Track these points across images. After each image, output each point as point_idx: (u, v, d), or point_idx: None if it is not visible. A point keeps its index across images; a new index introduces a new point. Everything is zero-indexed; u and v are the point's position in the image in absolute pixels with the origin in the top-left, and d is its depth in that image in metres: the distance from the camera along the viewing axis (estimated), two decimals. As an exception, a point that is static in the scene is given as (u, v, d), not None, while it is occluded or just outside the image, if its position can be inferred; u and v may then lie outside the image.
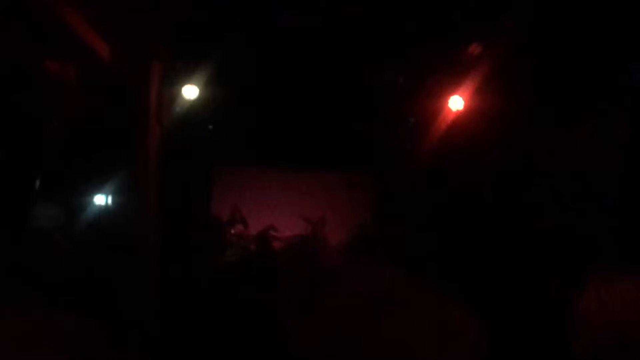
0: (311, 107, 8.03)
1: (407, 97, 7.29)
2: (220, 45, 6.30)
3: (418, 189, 8.47)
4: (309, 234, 9.99)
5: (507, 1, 5.31)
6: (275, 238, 8.69)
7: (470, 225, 6.79)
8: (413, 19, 5.80)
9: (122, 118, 4.10)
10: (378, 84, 7.16)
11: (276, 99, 7.92)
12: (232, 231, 8.91)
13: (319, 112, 8.19)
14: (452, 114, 6.84)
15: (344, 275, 1.55)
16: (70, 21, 3.39)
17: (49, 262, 2.36)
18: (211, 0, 5.40)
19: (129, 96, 4.06)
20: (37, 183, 5.91)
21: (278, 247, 6.79)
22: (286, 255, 1.70)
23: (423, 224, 7.84)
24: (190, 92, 6.61)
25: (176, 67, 5.88)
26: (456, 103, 6.67)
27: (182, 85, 6.55)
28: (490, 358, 1.26)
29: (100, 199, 7.05)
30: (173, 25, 4.43)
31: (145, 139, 4.10)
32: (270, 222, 10.63)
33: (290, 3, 6.01)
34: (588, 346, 1.47)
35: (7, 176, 4.80)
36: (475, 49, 5.98)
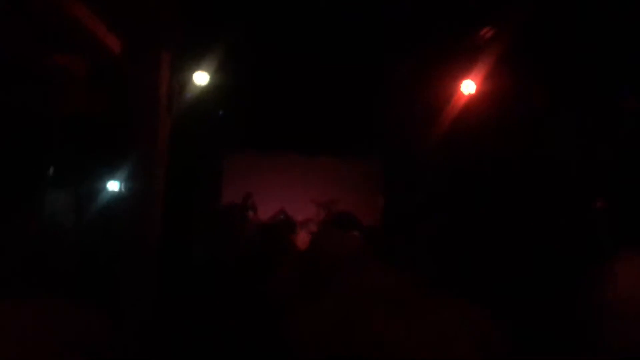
0: (322, 92, 7.99)
1: (419, 82, 7.22)
2: (230, 30, 6.27)
3: (430, 175, 8.43)
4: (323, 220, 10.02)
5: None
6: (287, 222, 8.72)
7: (482, 212, 6.75)
8: (424, 1, 5.73)
9: (133, 109, 4.09)
10: (390, 68, 7.09)
11: (287, 84, 7.88)
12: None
13: (330, 97, 8.14)
14: (464, 98, 6.77)
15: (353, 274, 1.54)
16: (78, 15, 3.39)
17: (57, 251, 2.37)
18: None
19: (139, 87, 4.05)
20: (50, 171, 5.96)
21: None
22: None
23: (433, 211, 7.81)
24: (200, 78, 6.60)
25: (186, 55, 5.86)
26: (468, 87, 6.59)
27: (192, 71, 6.54)
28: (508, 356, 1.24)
29: (111, 187, 7.09)
30: (182, 13, 4.40)
31: (155, 130, 4.10)
32: (281, 207, 10.68)
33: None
34: (610, 338, 1.45)
35: (19, 166, 4.83)
36: (487, 32, 5.90)
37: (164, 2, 3.98)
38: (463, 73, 6.60)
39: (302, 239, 6.50)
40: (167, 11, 4.07)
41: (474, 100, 6.77)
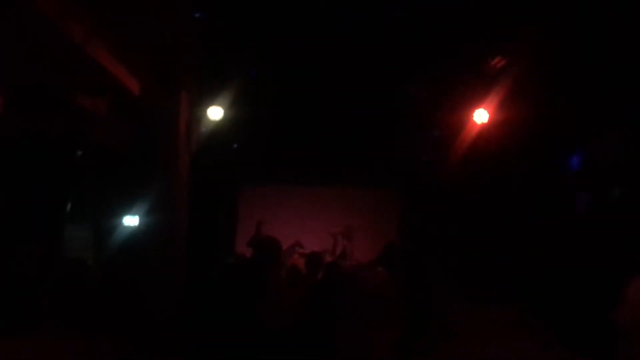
0: (335, 123, 8.06)
1: (432, 111, 7.28)
2: (243, 66, 6.38)
3: (444, 203, 8.42)
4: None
5: (529, 13, 5.29)
6: (301, 254, 8.72)
7: (498, 238, 6.72)
8: (436, 32, 5.81)
9: (153, 147, 4.19)
10: (402, 98, 7.16)
11: (300, 116, 7.96)
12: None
13: (343, 128, 8.21)
14: (477, 127, 6.79)
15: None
16: (101, 59, 3.51)
17: (81, 289, 2.40)
18: (233, 24, 5.47)
19: (160, 127, 4.15)
20: (68, 207, 6.03)
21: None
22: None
23: (450, 239, 7.79)
24: (215, 113, 6.70)
25: (202, 92, 5.97)
26: (481, 116, 6.62)
27: (207, 107, 6.64)
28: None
29: (131, 221, 7.14)
30: (198, 55, 4.53)
31: (176, 166, 4.18)
32: (296, 239, 10.68)
33: (310, 22, 6.06)
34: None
35: (39, 202, 4.91)
36: (498, 61, 5.96)
37: (182, 45, 4.10)
38: (476, 102, 6.64)
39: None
40: (186, 53, 4.19)
41: (487, 128, 6.80)
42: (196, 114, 5.98)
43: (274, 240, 4.55)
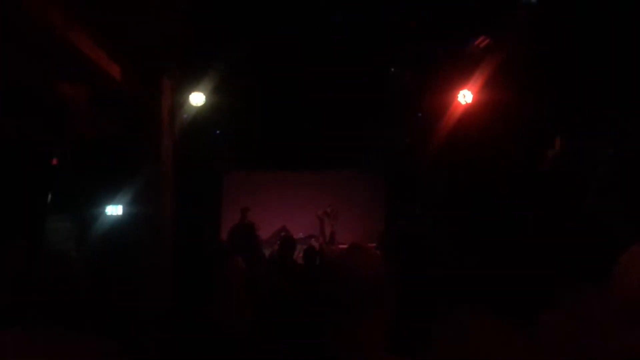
0: (319, 107, 8.00)
1: (416, 93, 7.25)
2: (225, 52, 6.29)
3: (429, 185, 8.43)
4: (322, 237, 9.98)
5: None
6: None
7: (483, 219, 6.75)
8: (419, 13, 5.76)
9: (137, 134, 4.12)
10: (386, 80, 7.12)
11: (283, 101, 7.90)
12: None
13: (327, 112, 8.16)
14: (461, 108, 6.78)
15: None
16: (81, 46, 3.42)
17: (64, 281, 2.34)
18: (214, 10, 5.38)
19: (143, 113, 4.08)
20: (49, 197, 5.92)
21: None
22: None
23: (436, 220, 7.81)
24: (197, 99, 6.61)
25: (184, 78, 5.87)
26: (465, 97, 6.61)
27: (189, 93, 6.55)
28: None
29: (114, 211, 7.04)
30: (181, 40, 4.44)
31: (158, 153, 4.11)
32: (282, 224, 10.68)
33: (293, 4, 5.98)
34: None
35: (20, 192, 4.81)
36: (482, 41, 5.93)
37: (164, 31, 4.02)
38: (460, 83, 6.62)
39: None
40: (168, 39, 4.10)
41: (471, 109, 6.79)
42: (178, 100, 5.89)
43: (250, 228, 4.52)
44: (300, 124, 8.95)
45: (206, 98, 6.85)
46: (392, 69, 6.89)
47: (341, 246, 9.05)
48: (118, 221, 6.65)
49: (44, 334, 1.95)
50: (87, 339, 1.98)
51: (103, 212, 7.19)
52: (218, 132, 9.25)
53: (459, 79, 6.67)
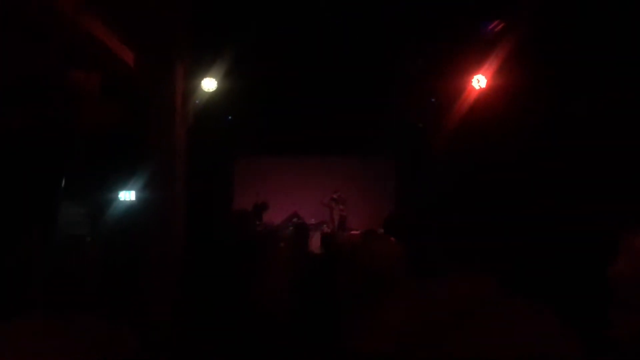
0: (331, 92, 7.95)
1: (429, 78, 7.18)
2: (236, 36, 6.25)
3: (441, 171, 8.37)
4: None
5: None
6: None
7: (497, 205, 6.69)
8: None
9: (150, 119, 4.11)
10: (399, 65, 7.05)
11: (295, 86, 7.85)
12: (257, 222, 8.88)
13: (339, 97, 8.10)
14: (475, 93, 6.71)
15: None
16: (94, 32, 3.40)
17: (80, 266, 2.35)
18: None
19: (156, 98, 4.06)
20: (63, 184, 5.95)
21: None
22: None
23: (448, 208, 7.76)
24: (209, 84, 6.61)
25: (197, 64, 5.86)
26: (479, 81, 6.53)
27: (202, 78, 6.55)
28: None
29: (127, 196, 7.09)
30: (193, 25, 4.42)
31: (172, 139, 4.11)
32: (294, 210, 10.67)
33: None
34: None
35: (35, 179, 4.84)
36: (496, 25, 5.85)
37: (177, 16, 3.99)
38: (474, 67, 6.54)
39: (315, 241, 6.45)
40: (180, 24, 4.07)
41: (485, 94, 6.71)
42: (191, 86, 5.89)
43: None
44: (312, 110, 8.90)
45: (218, 83, 6.84)
46: (406, 54, 6.81)
47: (353, 232, 9.04)
48: (131, 207, 6.69)
49: (59, 318, 1.96)
50: (102, 324, 1.99)
51: (116, 198, 7.24)
52: (230, 117, 9.24)
53: (473, 63, 6.59)
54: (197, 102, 6.24)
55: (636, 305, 1.40)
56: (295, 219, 10.32)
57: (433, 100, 8.01)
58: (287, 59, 7.00)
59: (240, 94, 7.82)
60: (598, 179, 5.89)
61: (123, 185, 7.12)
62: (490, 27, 5.83)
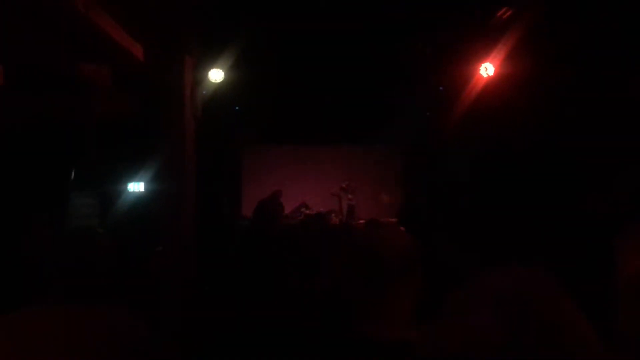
0: (338, 81, 7.93)
1: (437, 66, 7.14)
2: (243, 27, 6.24)
3: (449, 159, 8.36)
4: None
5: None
6: (308, 215, 8.69)
7: (506, 192, 6.69)
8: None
9: (160, 112, 4.14)
10: (406, 53, 7.01)
11: (301, 77, 7.84)
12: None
13: (346, 86, 8.08)
14: (483, 81, 6.67)
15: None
16: (103, 25, 3.42)
17: (93, 258, 2.37)
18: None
19: (165, 91, 4.09)
20: (72, 175, 6.00)
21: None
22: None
23: (456, 195, 7.77)
24: (216, 75, 6.61)
25: (204, 55, 5.86)
26: (487, 70, 6.49)
27: (209, 69, 6.54)
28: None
29: (136, 188, 7.13)
30: (201, 18, 4.43)
31: (182, 131, 4.14)
32: (303, 200, 10.69)
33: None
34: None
35: (46, 171, 4.88)
36: (505, 12, 5.80)
37: (183, 10, 4.00)
38: (482, 55, 6.50)
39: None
40: (187, 17, 4.09)
41: (493, 82, 6.68)
42: (199, 77, 5.90)
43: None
44: (319, 99, 8.89)
45: (225, 74, 6.84)
46: (413, 42, 6.78)
47: (361, 221, 9.05)
48: (140, 198, 6.73)
49: (71, 308, 1.99)
50: (114, 313, 2.01)
51: (126, 189, 7.29)
52: (237, 108, 9.24)
53: (481, 51, 6.55)
54: (204, 92, 6.24)
55: None
56: (303, 209, 10.34)
57: (441, 88, 7.97)
58: (294, 49, 6.98)
59: (248, 85, 7.81)
60: (608, 167, 5.87)
61: (132, 177, 7.16)
62: (499, 14, 5.79)
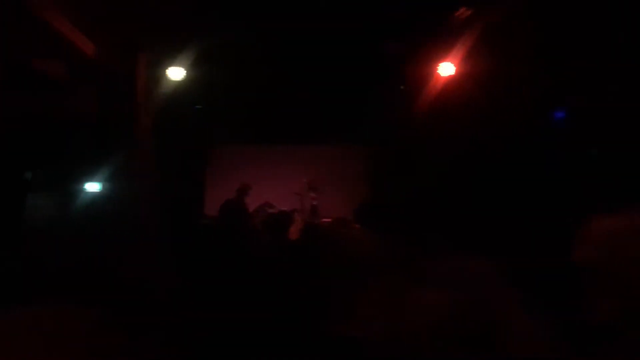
0: (300, 80, 7.93)
1: (399, 65, 7.20)
2: (207, 26, 6.18)
3: (412, 158, 8.44)
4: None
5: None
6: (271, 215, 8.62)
7: (468, 189, 6.79)
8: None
9: (112, 110, 4.06)
10: (368, 52, 7.05)
11: (264, 74, 7.81)
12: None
13: (308, 85, 8.09)
14: (443, 80, 6.76)
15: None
16: (54, 23, 3.34)
17: (48, 257, 2.33)
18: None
19: (116, 89, 4.02)
20: (29, 176, 5.84)
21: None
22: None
23: (420, 194, 7.85)
24: (176, 73, 6.51)
25: (162, 53, 5.77)
26: (446, 69, 6.58)
27: (169, 67, 6.45)
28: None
29: (91, 187, 6.98)
30: (156, 15, 4.36)
31: (135, 129, 4.07)
32: (266, 199, 10.63)
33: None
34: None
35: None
36: (463, 12, 5.89)
37: (139, 5, 3.94)
38: (442, 55, 6.59)
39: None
40: (143, 14, 4.03)
41: (454, 82, 6.78)
42: (157, 75, 5.81)
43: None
44: (283, 99, 8.87)
45: (187, 72, 6.76)
46: (376, 41, 6.81)
47: (324, 220, 9.06)
48: (97, 198, 6.59)
49: (34, 309, 1.94)
50: (75, 311, 1.97)
51: (83, 190, 7.13)
52: (198, 106, 9.15)
53: (442, 50, 6.63)
54: (164, 91, 6.15)
55: (604, 290, 1.44)
56: (267, 208, 10.28)
57: (403, 87, 8.04)
58: (257, 48, 6.94)
59: (211, 83, 7.74)
60: (564, 165, 6.02)
61: (91, 177, 7.01)
62: (457, 14, 5.87)
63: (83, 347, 1.77)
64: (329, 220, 8.55)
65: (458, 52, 6.36)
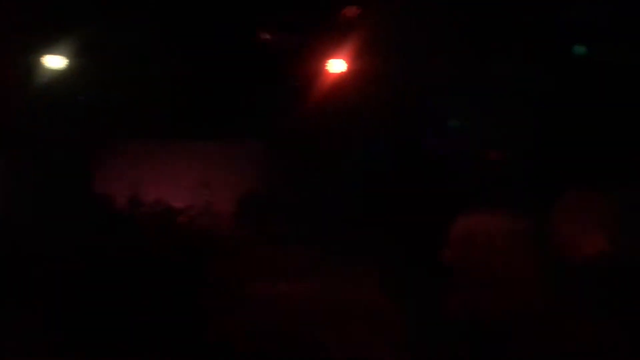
0: (188, 74, 7.77)
1: (288, 61, 7.22)
2: (88, 14, 5.91)
3: (304, 154, 8.51)
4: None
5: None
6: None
7: (361, 185, 6.92)
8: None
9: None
10: (257, 47, 7.02)
11: (152, 67, 7.58)
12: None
13: (197, 79, 7.94)
14: (333, 77, 6.85)
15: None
16: None
17: None
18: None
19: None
20: None
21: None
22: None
23: (312, 190, 7.93)
24: (54, 62, 6.17)
25: (38, 40, 5.45)
26: (336, 65, 6.68)
27: (47, 55, 6.10)
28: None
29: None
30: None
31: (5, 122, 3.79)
32: (159, 197, 10.35)
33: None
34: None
35: None
36: (351, 11, 5.99)
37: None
38: (331, 52, 6.67)
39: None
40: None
41: (343, 79, 6.88)
42: (31, 65, 5.48)
43: None
44: (176, 93, 8.65)
45: (69, 62, 6.42)
46: (264, 36, 6.79)
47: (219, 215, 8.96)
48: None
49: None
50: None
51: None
52: (82, 98, 8.69)
53: (332, 47, 6.71)
54: (40, 81, 5.81)
55: (468, 285, 1.49)
56: (159, 206, 10.00)
57: (294, 83, 8.06)
58: (140, 37, 6.72)
59: (97, 75, 7.40)
60: (439, 167, 6.28)
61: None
62: (344, 12, 5.96)
63: None
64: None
65: (347, 49, 6.47)
